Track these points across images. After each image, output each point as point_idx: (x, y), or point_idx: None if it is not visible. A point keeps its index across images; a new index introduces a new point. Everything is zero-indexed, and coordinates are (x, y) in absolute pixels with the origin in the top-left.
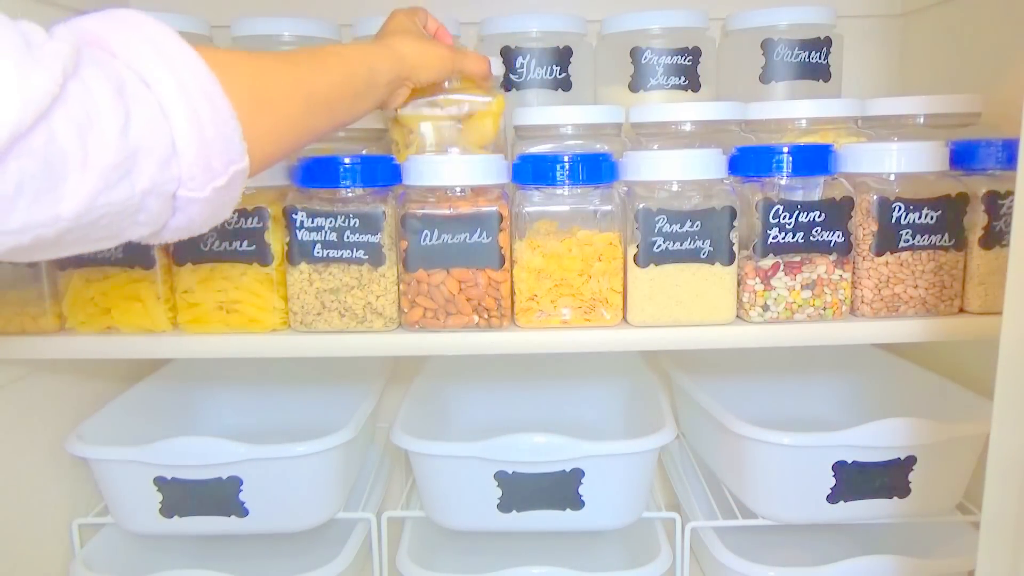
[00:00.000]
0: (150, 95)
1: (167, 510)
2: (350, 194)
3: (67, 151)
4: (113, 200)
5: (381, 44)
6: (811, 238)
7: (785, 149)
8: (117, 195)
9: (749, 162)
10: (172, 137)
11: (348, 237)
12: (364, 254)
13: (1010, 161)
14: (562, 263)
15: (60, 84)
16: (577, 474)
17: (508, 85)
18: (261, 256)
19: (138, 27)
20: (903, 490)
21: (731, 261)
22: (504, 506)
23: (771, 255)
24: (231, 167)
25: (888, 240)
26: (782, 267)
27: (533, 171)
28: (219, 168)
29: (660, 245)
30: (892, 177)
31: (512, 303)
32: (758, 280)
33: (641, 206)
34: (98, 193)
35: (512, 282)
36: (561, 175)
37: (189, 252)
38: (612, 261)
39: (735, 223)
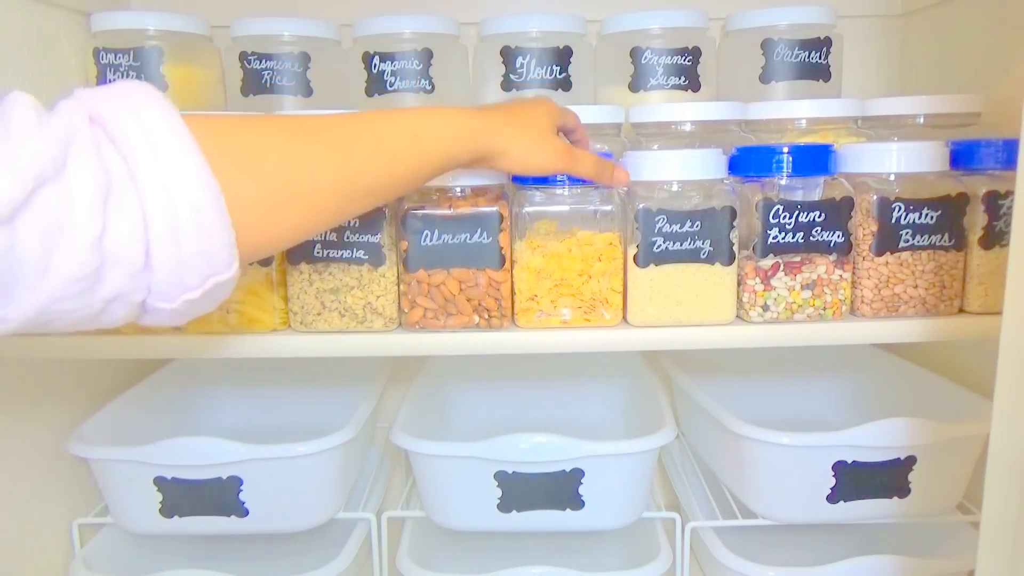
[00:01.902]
0: (135, 201)
1: (167, 510)
2: None
3: (26, 258)
4: (69, 308)
5: (475, 114)
6: (811, 238)
7: (785, 149)
8: (74, 303)
9: (749, 162)
10: (147, 250)
11: (348, 237)
12: (364, 254)
13: (1010, 161)
14: (562, 263)
15: (28, 191)
16: (577, 474)
17: (508, 85)
18: None
19: (141, 112)
20: (903, 490)
21: (731, 261)
22: (504, 506)
23: (771, 255)
24: (210, 280)
25: (888, 240)
26: (782, 267)
27: None
28: (194, 283)
29: (660, 245)
30: (892, 177)
31: (512, 303)
32: (758, 280)
33: (641, 206)
34: (53, 301)
35: (512, 282)
36: (561, 175)
37: None
38: (612, 261)
39: (735, 223)
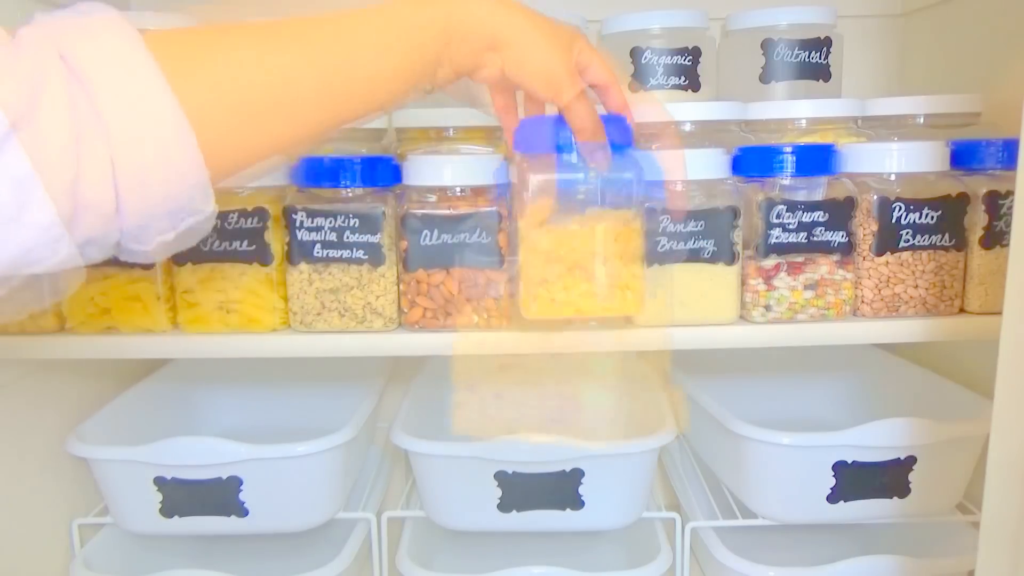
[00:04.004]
0: (102, 142)
1: (167, 510)
2: (350, 194)
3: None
4: (45, 254)
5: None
6: (813, 238)
7: (788, 149)
8: (50, 249)
9: (752, 162)
10: (117, 195)
11: (348, 237)
12: (364, 254)
13: (1010, 161)
14: (575, 243)
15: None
16: (577, 474)
17: None
18: (261, 256)
19: (102, 42)
20: (903, 490)
21: (734, 261)
22: (504, 506)
23: (773, 255)
24: (183, 222)
25: (888, 240)
26: (784, 267)
27: (534, 140)
28: (165, 226)
29: (663, 245)
30: (892, 177)
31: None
32: (760, 280)
33: (645, 206)
34: (28, 249)
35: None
36: (564, 140)
37: (189, 252)
38: (631, 241)
39: (738, 223)
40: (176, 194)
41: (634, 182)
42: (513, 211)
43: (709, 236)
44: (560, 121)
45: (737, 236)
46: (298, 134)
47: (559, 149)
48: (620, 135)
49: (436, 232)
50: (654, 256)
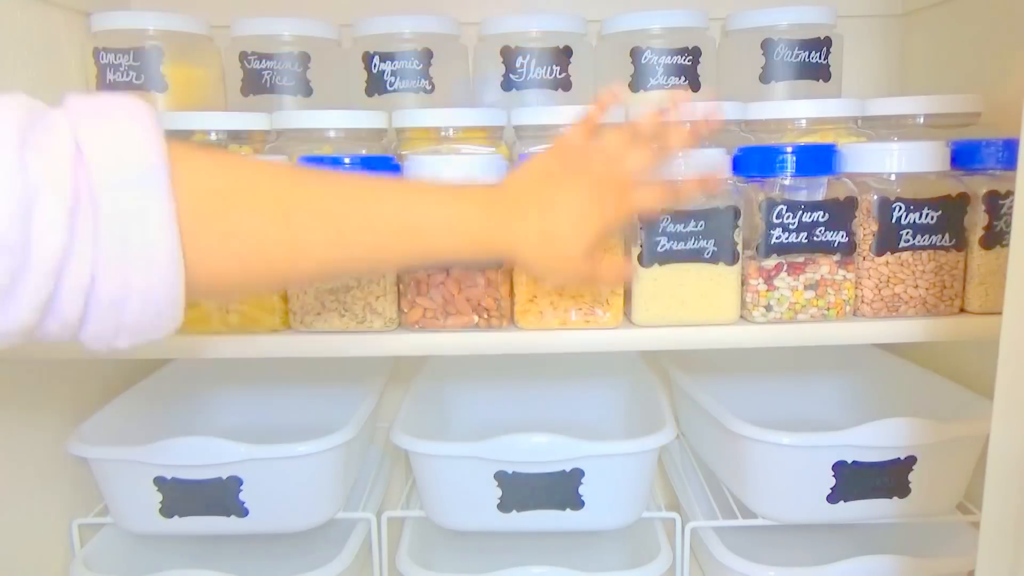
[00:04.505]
0: (87, 266)
1: (167, 510)
2: None
3: None
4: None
5: (489, 217)
6: (814, 238)
7: (789, 149)
8: (5, 344)
9: (753, 162)
10: (85, 311)
11: None
12: None
13: (1010, 161)
14: None
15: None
16: (577, 474)
17: (508, 85)
18: None
19: (126, 155)
20: (903, 490)
21: (735, 261)
22: (504, 506)
23: (774, 255)
24: (145, 338)
25: (888, 240)
26: (785, 267)
27: None
28: (123, 345)
29: (664, 245)
30: (893, 177)
31: (512, 304)
32: (761, 280)
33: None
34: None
35: (512, 283)
36: None
37: None
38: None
39: (739, 223)
40: (146, 323)
41: None
42: None
43: (710, 236)
44: None
45: (738, 236)
46: (290, 285)
47: None
48: None
49: None
50: (654, 256)
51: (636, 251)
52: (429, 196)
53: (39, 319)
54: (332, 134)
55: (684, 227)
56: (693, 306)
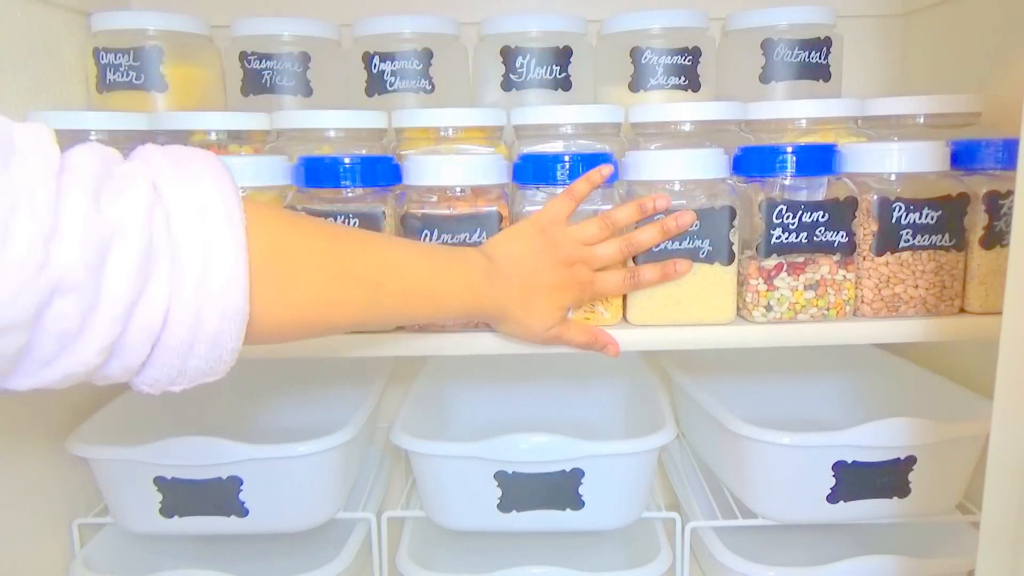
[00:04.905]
0: (159, 312)
1: (167, 510)
2: (350, 194)
3: (36, 355)
4: (62, 388)
5: (494, 296)
6: (815, 238)
7: (789, 149)
8: (67, 384)
9: (753, 162)
10: (151, 351)
11: None
12: None
13: (1010, 161)
14: None
15: (48, 296)
16: (577, 474)
17: (508, 85)
18: None
19: (207, 215)
20: (903, 490)
21: (731, 261)
22: (504, 506)
23: (774, 255)
24: (200, 382)
25: (888, 240)
26: (785, 267)
27: (534, 171)
28: (182, 384)
29: (659, 244)
30: (893, 177)
31: None
32: (761, 280)
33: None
34: (51, 384)
35: None
36: (562, 174)
37: None
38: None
39: (735, 223)
40: (207, 368)
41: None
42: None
43: (706, 236)
44: (557, 157)
45: (734, 236)
46: (317, 335)
47: (554, 182)
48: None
49: (436, 232)
50: (651, 256)
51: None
52: (445, 264)
53: (104, 361)
54: (332, 134)
55: None
56: (688, 306)
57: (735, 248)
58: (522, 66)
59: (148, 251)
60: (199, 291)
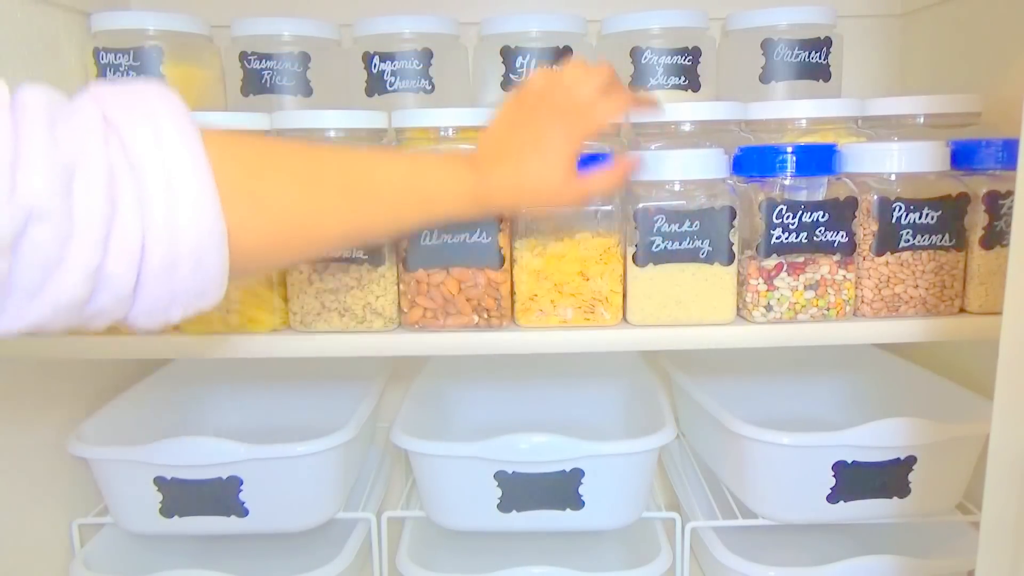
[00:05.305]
0: (137, 231)
1: (167, 510)
2: None
3: (20, 285)
4: (53, 324)
5: (481, 180)
6: (815, 238)
7: (789, 149)
8: (60, 321)
9: (753, 162)
10: (138, 279)
11: None
12: (364, 254)
13: (1010, 161)
14: (561, 264)
15: (23, 224)
16: (577, 474)
17: (508, 85)
18: None
19: (161, 131)
20: (903, 490)
21: (731, 261)
22: (504, 506)
23: (774, 255)
24: (193, 308)
25: (888, 240)
26: (785, 267)
27: None
28: (177, 313)
29: (659, 245)
30: (893, 177)
31: (512, 303)
32: (761, 280)
33: (640, 206)
34: (40, 321)
35: (512, 282)
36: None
37: None
38: (611, 262)
39: (734, 223)
40: (198, 288)
41: (615, 213)
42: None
43: (705, 236)
44: None
45: (734, 236)
46: (311, 256)
47: None
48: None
49: (436, 232)
50: (649, 256)
51: (632, 251)
52: (427, 162)
53: (90, 292)
54: (332, 134)
55: (680, 227)
56: (688, 306)
57: (735, 248)
58: (522, 66)
59: (110, 178)
60: (168, 212)
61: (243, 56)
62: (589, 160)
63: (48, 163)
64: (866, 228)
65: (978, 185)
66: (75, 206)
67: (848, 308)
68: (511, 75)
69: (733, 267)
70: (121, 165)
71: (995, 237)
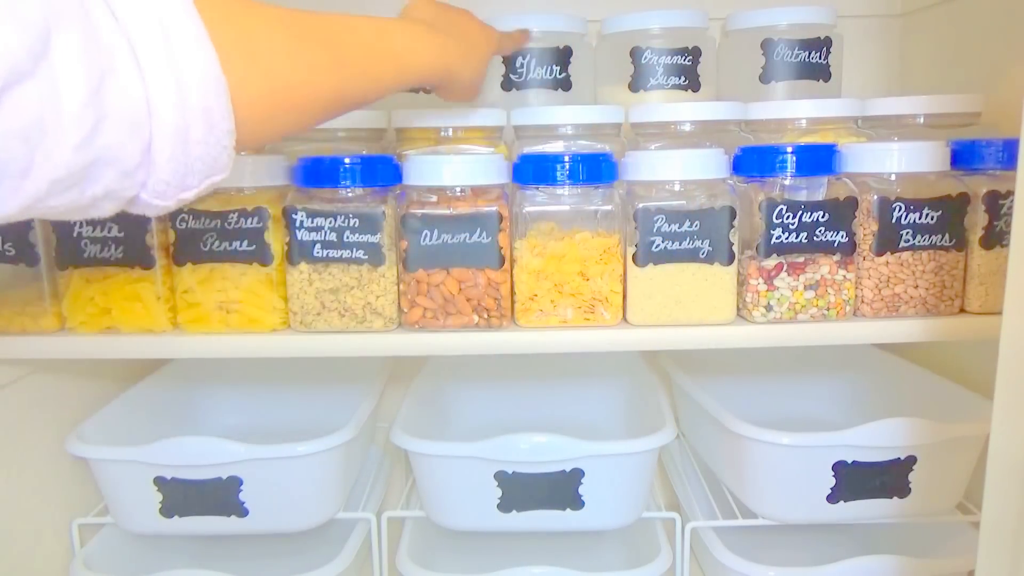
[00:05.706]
0: (139, 92)
1: (167, 510)
2: (350, 194)
3: (5, 160)
4: (54, 204)
5: (446, 46)
6: (815, 238)
7: (789, 149)
8: (60, 200)
9: (753, 162)
10: (148, 147)
11: (348, 237)
12: (364, 254)
13: (1010, 161)
14: (561, 264)
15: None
16: (577, 474)
17: (508, 85)
18: (261, 256)
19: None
20: (903, 490)
21: (731, 261)
22: (504, 506)
23: (774, 255)
24: (207, 182)
25: (888, 240)
26: (785, 267)
27: (534, 171)
28: (193, 184)
29: (659, 245)
30: (893, 177)
31: (512, 303)
32: (761, 280)
33: (640, 206)
34: (36, 200)
35: (512, 282)
36: (562, 175)
37: (189, 252)
38: (611, 261)
39: (735, 223)
40: (211, 153)
41: (615, 212)
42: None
43: (705, 236)
44: (557, 158)
45: (734, 236)
46: (301, 124)
47: (554, 182)
48: (606, 171)
49: (436, 232)
50: (649, 256)
51: (632, 251)
52: (389, 23)
53: (90, 165)
54: (332, 134)
55: (679, 227)
56: (688, 306)
57: (735, 248)
58: (522, 66)
59: (94, 37)
60: (171, 65)
61: None
62: (588, 160)
63: (21, 22)
64: (866, 228)
65: (978, 185)
66: (56, 68)
67: (848, 308)
68: (511, 75)
69: (733, 267)
70: (109, 27)
71: (995, 237)
